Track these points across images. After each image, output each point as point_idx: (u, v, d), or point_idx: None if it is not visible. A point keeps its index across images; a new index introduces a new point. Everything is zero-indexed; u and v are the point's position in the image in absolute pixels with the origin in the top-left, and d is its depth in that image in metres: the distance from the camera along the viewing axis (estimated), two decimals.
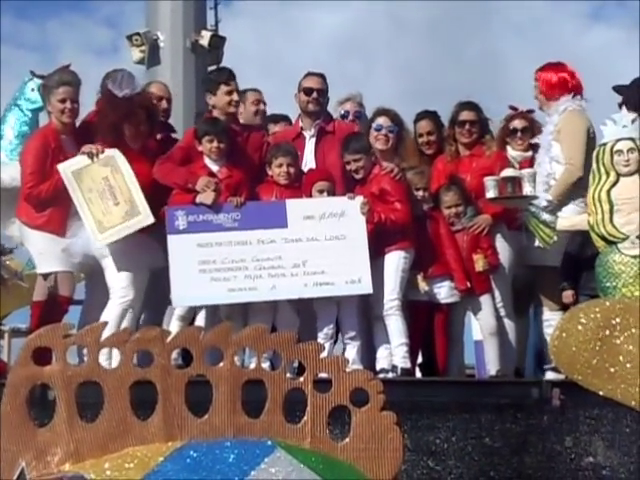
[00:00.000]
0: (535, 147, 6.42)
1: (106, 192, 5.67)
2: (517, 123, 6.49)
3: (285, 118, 6.89)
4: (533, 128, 6.49)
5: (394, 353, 5.88)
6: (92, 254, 5.79)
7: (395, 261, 5.93)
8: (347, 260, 5.79)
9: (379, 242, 5.91)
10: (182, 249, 5.73)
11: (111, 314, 5.59)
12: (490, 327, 6.15)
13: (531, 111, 6.57)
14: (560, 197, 6.06)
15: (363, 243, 5.83)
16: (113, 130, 5.86)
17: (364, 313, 6.07)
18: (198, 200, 5.81)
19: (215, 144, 5.95)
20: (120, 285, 5.71)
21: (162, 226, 5.79)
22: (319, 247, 5.81)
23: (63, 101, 5.89)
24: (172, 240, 5.74)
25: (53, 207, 5.83)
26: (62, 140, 5.92)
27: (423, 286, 6.00)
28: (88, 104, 6.08)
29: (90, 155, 5.72)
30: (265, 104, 6.72)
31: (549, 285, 6.21)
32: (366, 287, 5.80)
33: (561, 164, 6.19)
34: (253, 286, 5.73)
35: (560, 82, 6.35)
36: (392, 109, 6.33)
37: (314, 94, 6.40)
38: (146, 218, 5.70)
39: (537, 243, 6.04)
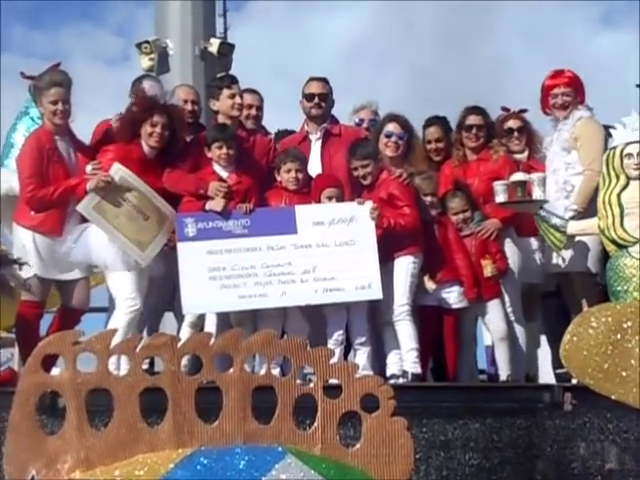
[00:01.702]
0: (534, 150, 6.42)
1: (133, 212, 5.71)
2: (512, 123, 6.50)
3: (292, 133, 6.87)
4: (528, 128, 6.50)
5: (404, 358, 5.87)
6: (94, 263, 5.80)
7: (404, 266, 5.92)
8: (357, 266, 5.78)
9: (388, 247, 5.90)
10: (192, 256, 5.74)
11: (119, 323, 5.55)
12: (500, 332, 6.13)
13: (524, 110, 6.56)
14: (585, 204, 6.03)
15: (373, 248, 5.82)
16: (131, 126, 5.86)
17: (374, 318, 6.06)
18: (208, 207, 5.82)
19: (224, 150, 5.96)
20: (126, 295, 5.70)
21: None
22: (329, 253, 5.81)
23: (55, 102, 5.85)
24: (182, 247, 5.75)
25: (52, 209, 5.82)
26: (56, 141, 5.90)
27: (430, 285, 5.99)
28: (96, 109, 6.11)
29: (100, 187, 5.66)
30: (260, 109, 6.69)
31: (576, 290, 6.18)
32: (376, 292, 5.79)
33: (577, 170, 6.16)
34: (263, 292, 5.73)
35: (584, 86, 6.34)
36: (402, 115, 6.32)
37: (315, 99, 6.43)
38: (173, 217, 5.81)
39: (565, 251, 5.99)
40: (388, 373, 5.88)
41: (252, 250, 5.78)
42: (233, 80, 6.35)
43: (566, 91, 6.33)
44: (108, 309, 6.12)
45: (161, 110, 5.87)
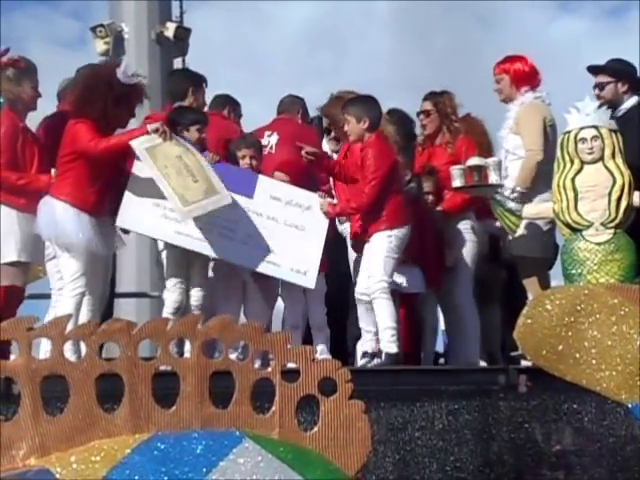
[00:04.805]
0: None
1: (183, 170, 5.50)
2: None
3: None
4: None
5: (380, 337, 5.71)
6: (56, 237, 5.58)
7: (379, 243, 5.74)
8: (299, 250, 5.70)
9: (364, 223, 5.81)
10: (146, 178, 5.53)
11: (65, 308, 5.35)
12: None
13: None
14: (525, 183, 6.05)
15: (319, 242, 5.76)
16: (102, 110, 5.58)
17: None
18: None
19: (203, 135, 5.83)
20: (70, 276, 5.50)
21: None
22: (276, 228, 5.72)
23: (35, 88, 5.77)
24: (139, 166, 5.56)
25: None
26: (25, 124, 5.80)
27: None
28: (52, 92, 5.98)
29: (162, 134, 5.52)
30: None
31: (529, 274, 6.24)
32: (310, 282, 5.70)
33: (516, 156, 6.18)
34: (200, 237, 5.59)
35: (531, 72, 6.37)
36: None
37: None
38: (225, 198, 5.53)
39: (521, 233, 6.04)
40: (361, 351, 5.83)
41: None
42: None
43: (497, 78, 6.35)
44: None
45: (132, 98, 5.69)
